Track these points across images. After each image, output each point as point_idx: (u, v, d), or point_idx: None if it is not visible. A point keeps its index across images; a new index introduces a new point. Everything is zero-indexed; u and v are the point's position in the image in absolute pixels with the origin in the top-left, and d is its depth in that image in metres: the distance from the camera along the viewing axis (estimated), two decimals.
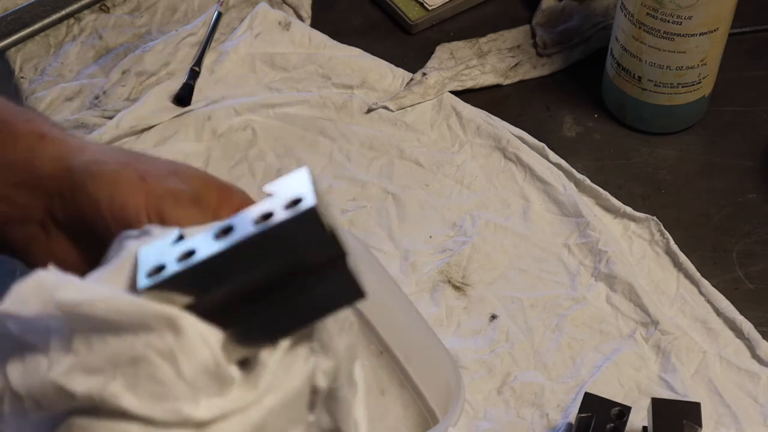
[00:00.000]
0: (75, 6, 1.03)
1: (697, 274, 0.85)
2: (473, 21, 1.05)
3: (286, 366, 0.44)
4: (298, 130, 0.95)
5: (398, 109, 0.96)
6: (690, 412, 0.72)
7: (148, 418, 0.41)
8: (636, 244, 0.87)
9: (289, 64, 0.99)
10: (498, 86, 0.99)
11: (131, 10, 1.05)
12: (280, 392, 0.44)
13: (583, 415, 0.73)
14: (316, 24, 1.04)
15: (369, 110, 0.96)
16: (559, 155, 0.92)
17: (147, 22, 1.04)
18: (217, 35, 1.01)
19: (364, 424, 0.50)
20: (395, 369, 0.79)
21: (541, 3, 1.04)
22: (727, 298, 0.83)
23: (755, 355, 0.80)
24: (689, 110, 0.95)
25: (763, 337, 0.81)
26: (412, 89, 0.96)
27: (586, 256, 0.86)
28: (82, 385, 0.41)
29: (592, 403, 0.73)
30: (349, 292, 0.46)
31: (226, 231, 0.43)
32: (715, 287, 0.84)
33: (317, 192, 0.45)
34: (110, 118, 0.94)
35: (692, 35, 0.88)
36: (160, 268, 0.43)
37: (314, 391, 0.46)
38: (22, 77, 0.99)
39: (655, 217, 0.88)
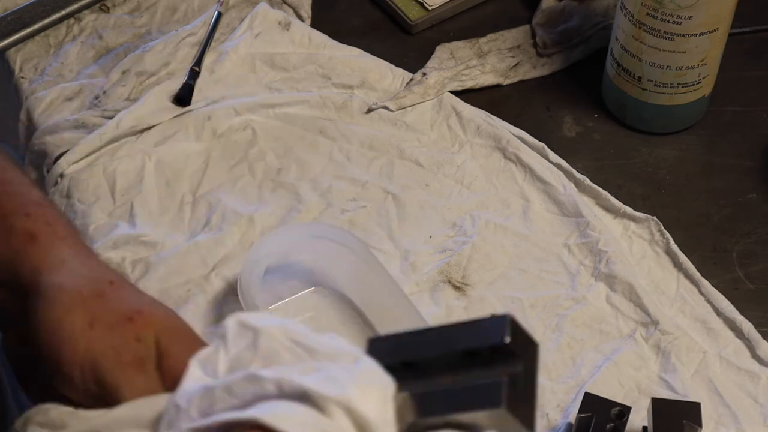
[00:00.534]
0: (75, 6, 1.03)
1: (697, 274, 0.85)
2: (473, 21, 1.05)
3: None
4: (298, 130, 0.95)
5: (398, 109, 0.96)
6: (690, 412, 0.72)
7: None
8: (636, 244, 0.87)
9: (289, 64, 0.99)
10: (498, 86, 0.99)
11: (131, 10, 1.05)
12: None
13: (583, 415, 0.73)
14: (316, 24, 1.04)
15: (369, 110, 0.96)
16: (559, 155, 0.92)
17: (147, 22, 1.04)
18: (217, 35, 1.01)
19: None
20: None
21: (541, 3, 1.04)
22: (727, 298, 0.83)
23: (755, 355, 0.80)
24: (689, 110, 0.95)
25: (763, 337, 0.81)
26: (412, 89, 0.96)
27: (586, 256, 0.86)
28: None
29: (592, 403, 0.73)
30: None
31: None
32: (715, 287, 0.84)
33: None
34: (110, 118, 0.94)
35: (692, 35, 0.88)
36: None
37: None
38: (22, 77, 0.99)
39: (655, 217, 0.88)
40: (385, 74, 0.99)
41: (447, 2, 1.05)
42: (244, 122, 0.95)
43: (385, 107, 0.96)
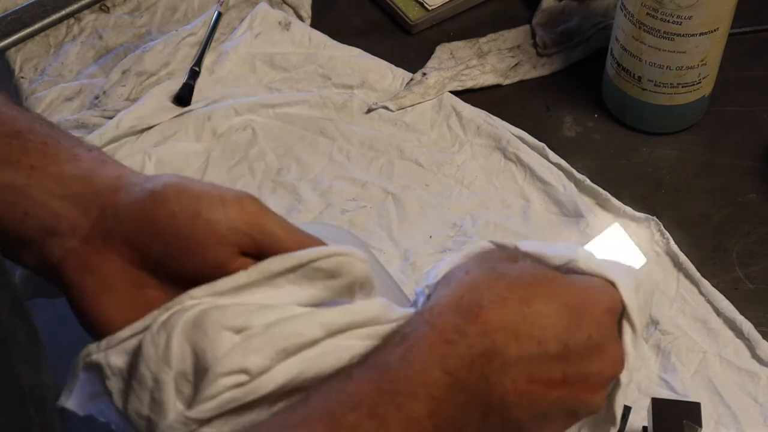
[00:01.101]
0: (75, 6, 1.03)
1: (697, 274, 0.85)
2: (473, 21, 1.05)
3: None
4: (298, 130, 0.95)
5: (398, 109, 0.96)
6: (690, 412, 0.72)
7: None
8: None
9: (289, 64, 0.99)
10: (498, 86, 0.99)
11: (131, 10, 1.05)
12: None
13: None
14: (316, 24, 1.04)
15: (369, 110, 0.96)
16: (559, 155, 0.92)
17: (147, 22, 1.04)
18: (217, 35, 1.01)
19: None
20: None
21: (541, 3, 1.04)
22: (727, 298, 0.83)
23: (755, 355, 0.80)
24: (689, 110, 0.95)
25: (763, 337, 0.81)
26: (412, 89, 0.96)
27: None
28: None
29: None
30: None
31: None
32: (715, 287, 0.84)
33: None
34: (110, 118, 0.94)
35: (692, 35, 0.88)
36: None
37: None
38: (22, 77, 0.99)
39: (655, 217, 0.88)
40: (385, 74, 0.99)
41: (447, 2, 1.05)
42: (244, 122, 0.95)
43: (385, 107, 0.96)
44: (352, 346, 0.55)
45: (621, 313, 0.58)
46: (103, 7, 1.05)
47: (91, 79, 0.98)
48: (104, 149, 0.92)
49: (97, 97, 0.96)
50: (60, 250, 0.56)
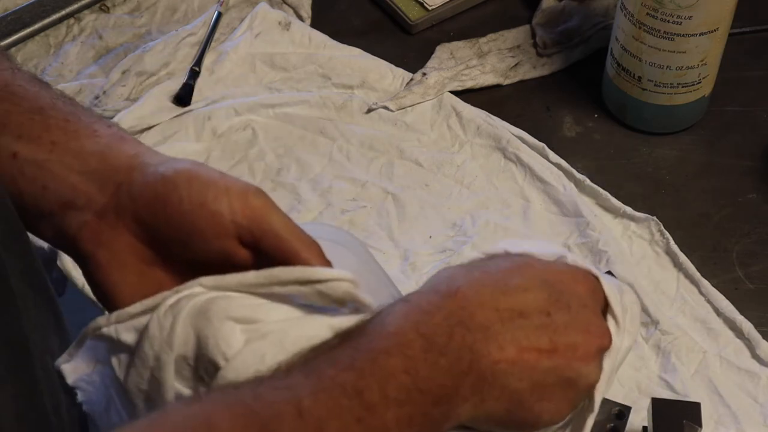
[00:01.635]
0: (75, 6, 1.03)
1: (697, 274, 0.85)
2: (473, 21, 1.05)
3: None
4: (298, 130, 0.95)
5: (398, 109, 0.96)
6: (690, 412, 0.72)
7: None
8: (636, 244, 0.87)
9: (289, 64, 0.99)
10: (498, 86, 0.99)
11: (131, 10, 1.05)
12: None
13: None
14: (316, 24, 1.03)
15: (369, 110, 0.96)
16: (559, 155, 0.92)
17: (147, 22, 1.04)
18: (217, 35, 1.01)
19: None
20: None
21: (541, 3, 1.04)
22: (727, 298, 0.83)
23: (755, 355, 0.80)
24: (689, 110, 0.95)
25: (763, 337, 0.81)
26: (412, 89, 0.96)
27: (586, 256, 0.86)
28: None
29: None
30: None
31: None
32: (715, 287, 0.84)
33: None
34: (110, 118, 0.94)
35: (692, 35, 0.88)
36: None
37: None
38: None
39: (655, 217, 0.88)
40: (385, 74, 0.99)
41: (447, 2, 1.05)
42: (244, 122, 0.95)
43: (385, 107, 0.96)
44: None
45: (605, 308, 0.59)
46: (103, 7, 1.05)
47: (91, 79, 0.98)
48: None
49: (97, 97, 0.96)
50: (76, 223, 0.58)
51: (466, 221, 0.88)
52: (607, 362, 0.58)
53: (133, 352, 0.56)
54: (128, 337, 0.56)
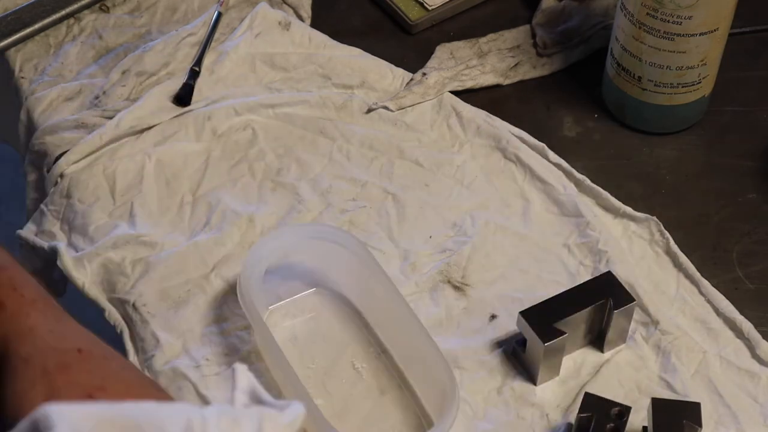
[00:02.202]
0: (75, 6, 1.03)
1: (697, 274, 0.85)
2: (473, 21, 1.05)
3: None
4: (298, 130, 0.95)
5: (398, 109, 0.96)
6: (690, 412, 0.72)
7: None
8: (636, 244, 0.87)
9: (289, 64, 0.99)
10: (498, 86, 0.99)
11: (131, 10, 1.05)
12: None
13: (583, 415, 0.73)
14: (316, 24, 1.04)
15: (369, 110, 0.96)
16: (559, 155, 0.92)
17: (147, 22, 1.04)
18: (217, 35, 1.01)
19: None
20: (393, 371, 0.79)
21: (541, 3, 1.04)
22: (727, 298, 0.83)
23: (755, 355, 0.80)
24: (689, 110, 0.95)
25: (763, 337, 0.81)
26: (412, 89, 0.96)
27: (586, 256, 0.86)
28: None
29: (592, 403, 0.73)
30: None
31: None
32: (715, 287, 0.84)
33: None
34: (110, 118, 0.94)
35: (692, 35, 0.88)
36: None
37: None
38: (22, 77, 0.99)
39: (655, 217, 0.88)
40: (385, 74, 0.99)
41: (447, 2, 1.05)
42: (244, 122, 0.95)
43: (385, 107, 0.96)
44: None
45: None
46: (103, 7, 1.05)
47: (91, 79, 0.98)
48: (104, 149, 0.92)
49: (97, 97, 0.96)
50: None
51: (466, 221, 0.88)
52: None
53: None
54: None
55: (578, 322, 0.78)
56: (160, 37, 1.01)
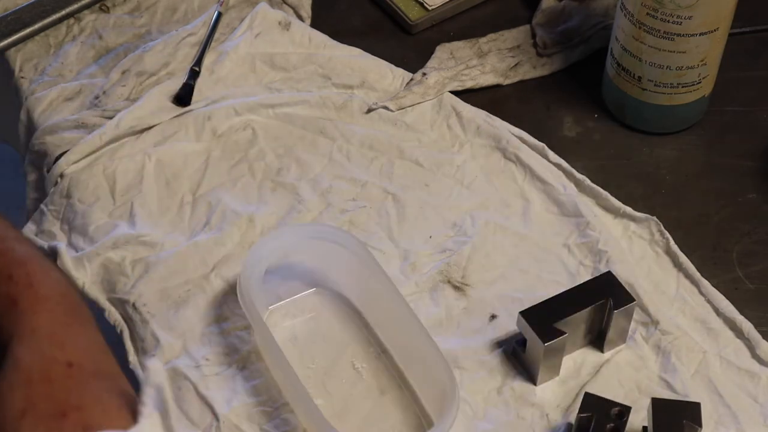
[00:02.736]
0: (75, 6, 1.03)
1: (697, 274, 0.85)
2: (473, 21, 1.05)
3: None
4: (298, 130, 0.95)
5: (398, 109, 0.96)
6: (690, 412, 0.72)
7: None
8: (636, 244, 0.87)
9: (289, 64, 0.99)
10: (498, 86, 0.99)
11: (131, 10, 1.05)
12: None
13: (583, 415, 0.73)
14: (316, 24, 1.04)
15: (369, 110, 0.96)
16: (559, 155, 0.92)
17: (147, 22, 1.04)
18: (217, 35, 1.01)
19: None
20: (393, 371, 0.79)
21: (541, 3, 1.04)
22: (727, 298, 0.83)
23: (755, 355, 0.80)
24: (689, 110, 0.95)
25: (763, 337, 0.81)
26: (412, 89, 0.96)
27: (586, 256, 0.86)
28: None
29: (592, 403, 0.73)
30: None
31: None
32: (715, 287, 0.84)
33: None
34: (110, 118, 0.94)
35: (692, 35, 0.88)
36: None
37: None
38: (22, 77, 0.99)
39: (655, 217, 0.88)
40: (385, 74, 0.99)
41: (447, 2, 1.05)
42: (244, 122, 0.95)
43: (385, 107, 0.96)
44: None
45: None
46: (103, 7, 1.05)
47: (91, 79, 0.98)
48: (104, 149, 0.92)
49: (97, 97, 0.96)
50: None
51: (466, 221, 0.88)
52: None
53: None
54: None
55: (578, 322, 0.78)
56: (160, 37, 1.01)
